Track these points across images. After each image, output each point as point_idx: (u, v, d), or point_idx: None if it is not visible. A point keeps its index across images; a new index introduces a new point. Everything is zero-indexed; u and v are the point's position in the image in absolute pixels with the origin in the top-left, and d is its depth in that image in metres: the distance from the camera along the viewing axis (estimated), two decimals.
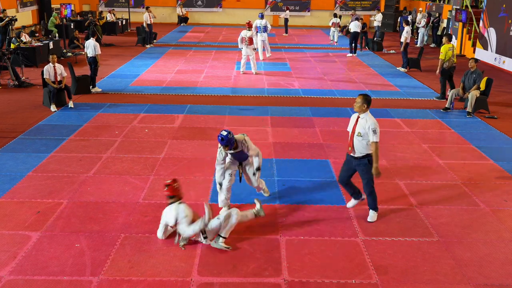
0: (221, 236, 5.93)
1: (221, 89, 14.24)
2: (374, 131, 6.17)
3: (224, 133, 6.46)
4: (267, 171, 8.18)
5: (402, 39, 17.57)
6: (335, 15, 25.15)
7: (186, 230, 5.85)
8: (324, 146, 9.58)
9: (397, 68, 18.09)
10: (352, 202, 6.91)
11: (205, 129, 10.45)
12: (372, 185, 6.53)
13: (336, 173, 8.26)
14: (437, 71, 13.41)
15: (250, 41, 15.80)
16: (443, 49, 13.11)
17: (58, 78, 11.84)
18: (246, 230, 6.33)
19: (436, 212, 7.00)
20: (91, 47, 13.33)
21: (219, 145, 6.60)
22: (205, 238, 5.94)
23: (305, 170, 8.36)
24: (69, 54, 18.73)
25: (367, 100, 6.28)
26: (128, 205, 6.95)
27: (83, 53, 17.83)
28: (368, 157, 6.33)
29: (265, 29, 18.90)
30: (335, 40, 24.55)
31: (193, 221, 5.87)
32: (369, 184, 6.50)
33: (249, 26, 16.11)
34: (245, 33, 15.79)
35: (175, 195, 5.95)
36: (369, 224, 6.58)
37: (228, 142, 6.48)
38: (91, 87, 13.47)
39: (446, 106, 12.36)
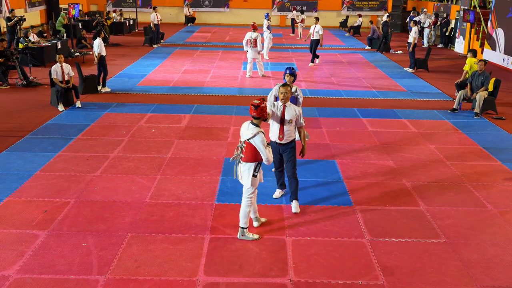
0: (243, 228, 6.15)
1: (227, 89, 14.25)
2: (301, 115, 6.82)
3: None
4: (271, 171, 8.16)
5: (410, 40, 17.51)
6: (302, 12, 26.59)
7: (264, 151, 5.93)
8: (331, 147, 9.56)
9: (404, 68, 18.03)
10: (275, 194, 7.33)
11: (212, 129, 10.46)
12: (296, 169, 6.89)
13: (343, 173, 8.26)
14: (459, 80, 13.40)
15: (255, 43, 15.40)
16: (468, 61, 13.30)
17: (66, 78, 11.89)
18: (252, 230, 6.34)
19: (443, 213, 6.97)
20: (95, 46, 13.41)
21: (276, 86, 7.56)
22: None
23: (311, 170, 8.35)
24: (77, 54, 18.80)
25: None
26: (135, 205, 6.97)
27: (91, 53, 17.86)
28: (294, 141, 6.86)
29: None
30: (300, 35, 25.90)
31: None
32: (294, 167, 6.85)
33: (254, 27, 15.61)
34: (250, 35, 15.36)
35: (260, 117, 6.03)
36: (375, 225, 6.56)
37: (294, 72, 7.77)
38: (100, 87, 13.51)
39: (454, 107, 12.30)
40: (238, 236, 6.15)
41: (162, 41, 23.27)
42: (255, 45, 15.41)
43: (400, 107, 12.67)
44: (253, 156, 5.95)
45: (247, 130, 6.01)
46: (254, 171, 5.98)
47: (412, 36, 17.42)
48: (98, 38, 13.52)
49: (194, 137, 9.90)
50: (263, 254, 5.81)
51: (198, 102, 12.66)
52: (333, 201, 7.25)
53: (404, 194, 7.54)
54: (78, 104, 11.90)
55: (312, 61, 18.46)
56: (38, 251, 5.77)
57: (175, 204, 7.02)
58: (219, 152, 9.14)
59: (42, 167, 8.20)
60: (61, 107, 11.58)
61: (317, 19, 18.47)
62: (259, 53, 15.67)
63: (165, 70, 16.84)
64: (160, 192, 7.41)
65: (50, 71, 12.01)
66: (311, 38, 18.18)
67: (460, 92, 12.40)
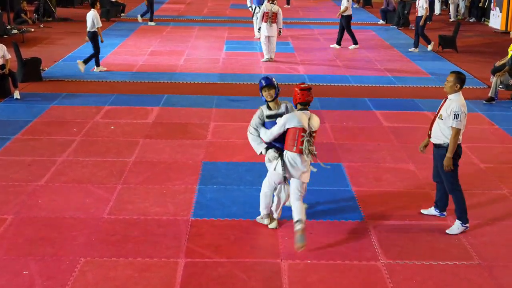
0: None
1: (206, 75, 14.26)
2: (456, 116, 6.59)
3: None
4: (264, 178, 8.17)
5: (421, 13, 17.19)
6: None
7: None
8: (336, 147, 9.60)
9: (427, 48, 18.05)
10: (427, 210, 7.36)
11: (187, 125, 10.46)
12: (455, 184, 6.88)
13: (352, 180, 8.29)
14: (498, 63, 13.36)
15: (275, 17, 15.27)
16: None
17: (0, 62, 11.82)
18: (239, 252, 6.35)
19: (476, 229, 7.01)
20: (89, 19, 13.92)
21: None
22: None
23: (312, 176, 8.35)
24: (15, 31, 18.67)
25: (460, 79, 6.76)
26: (90, 222, 6.94)
27: (33, 30, 17.77)
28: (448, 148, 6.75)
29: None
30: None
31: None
32: (448, 181, 6.87)
33: None
34: (270, 7, 15.25)
35: (308, 102, 6.51)
36: (392, 244, 6.59)
37: (273, 83, 6.66)
38: (95, 67, 14.18)
39: (490, 95, 12.37)
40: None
41: (123, 14, 23.20)
42: (274, 21, 15.33)
43: (422, 96, 12.74)
44: None
45: (313, 118, 6.51)
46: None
47: (423, 8, 17.06)
48: (93, 10, 14.09)
49: (164, 136, 9.89)
50: (253, 282, 5.82)
51: (169, 91, 12.65)
52: (340, 215, 7.28)
53: (428, 205, 7.58)
54: (17, 94, 11.83)
55: (355, 43, 18.05)
56: None
57: (141, 221, 7.00)
58: (196, 154, 9.14)
59: None
60: None
61: None
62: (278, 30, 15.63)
63: (127, 51, 16.81)
64: (121, 205, 7.39)
65: None
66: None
67: (495, 76, 12.43)
